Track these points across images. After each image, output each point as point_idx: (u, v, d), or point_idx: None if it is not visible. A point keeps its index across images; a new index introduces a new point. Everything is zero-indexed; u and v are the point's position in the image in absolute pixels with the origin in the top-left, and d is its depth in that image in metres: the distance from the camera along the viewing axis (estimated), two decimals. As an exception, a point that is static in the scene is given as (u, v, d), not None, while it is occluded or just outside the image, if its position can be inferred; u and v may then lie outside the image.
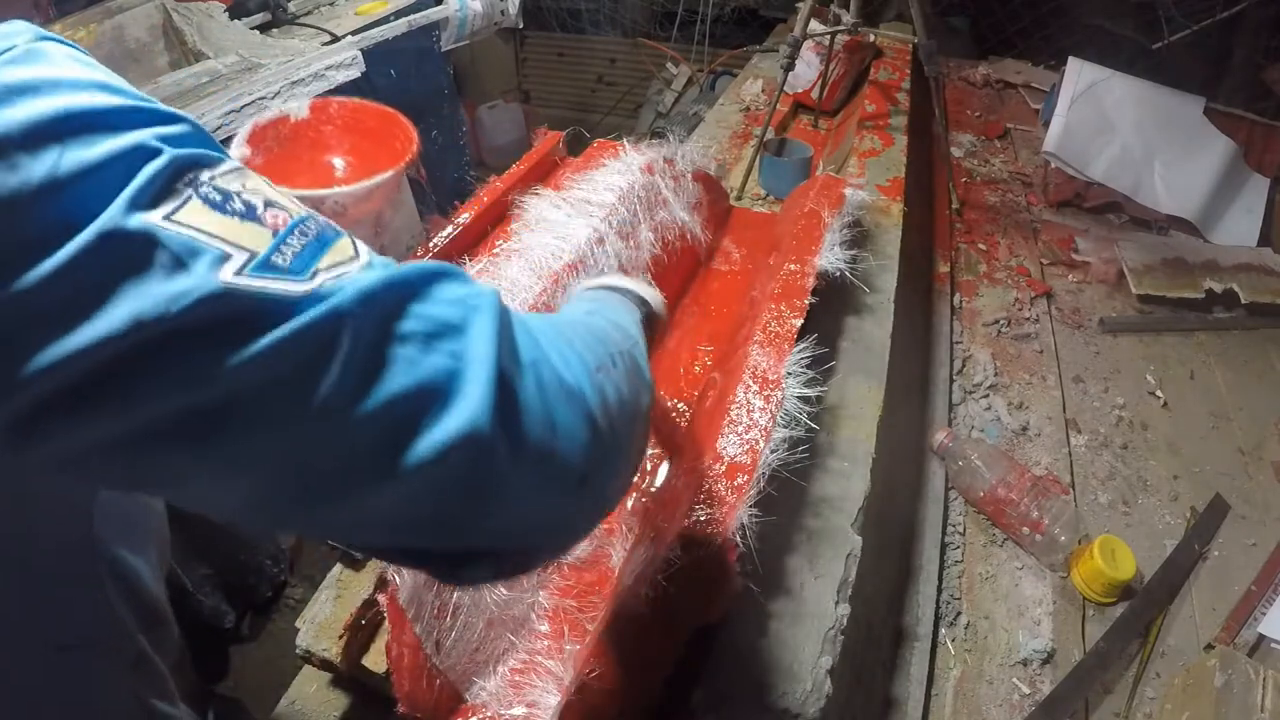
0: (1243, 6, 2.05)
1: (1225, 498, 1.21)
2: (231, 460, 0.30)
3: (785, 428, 0.75)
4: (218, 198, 0.31)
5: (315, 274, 0.31)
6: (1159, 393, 1.41)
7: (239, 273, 0.29)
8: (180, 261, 0.28)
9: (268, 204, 0.32)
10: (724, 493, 0.70)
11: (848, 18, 1.63)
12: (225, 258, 0.29)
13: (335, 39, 1.68)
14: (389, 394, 0.31)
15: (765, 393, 0.79)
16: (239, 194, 0.32)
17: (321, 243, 0.33)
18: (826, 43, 1.74)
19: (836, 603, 0.74)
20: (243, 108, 1.40)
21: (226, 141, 1.38)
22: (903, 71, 1.86)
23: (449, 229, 1.04)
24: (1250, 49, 2.26)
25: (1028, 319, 1.54)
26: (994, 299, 1.58)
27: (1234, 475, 1.27)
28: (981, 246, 1.73)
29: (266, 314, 0.29)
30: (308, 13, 1.87)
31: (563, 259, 0.95)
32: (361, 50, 1.58)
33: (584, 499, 0.41)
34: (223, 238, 0.30)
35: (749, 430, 0.76)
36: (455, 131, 2.13)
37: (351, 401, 0.31)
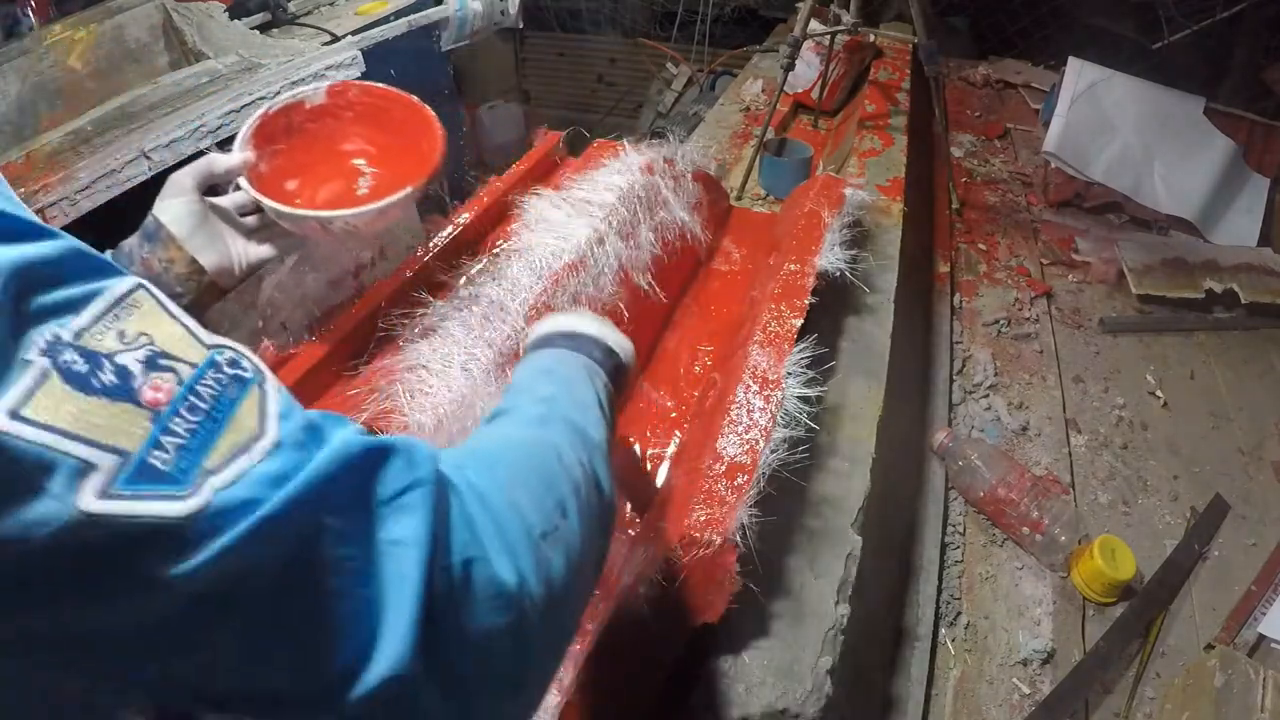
0: (1243, 6, 2.05)
1: (1225, 498, 1.21)
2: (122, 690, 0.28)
3: (785, 428, 0.75)
4: (82, 368, 0.24)
5: (205, 477, 0.26)
6: (1159, 393, 1.41)
7: (105, 492, 0.23)
8: (31, 480, 0.23)
9: (150, 362, 0.26)
10: (724, 493, 0.70)
11: (848, 18, 1.63)
12: (85, 470, 0.23)
13: (335, 39, 1.68)
14: (302, 640, 0.28)
15: (765, 393, 0.79)
16: (113, 355, 0.25)
17: (216, 420, 0.27)
18: (826, 43, 1.75)
19: (836, 603, 0.74)
20: (243, 108, 1.40)
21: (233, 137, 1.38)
22: (903, 71, 1.86)
23: (449, 229, 1.04)
24: (1250, 49, 2.26)
25: (1028, 319, 1.54)
26: (994, 299, 1.58)
27: (1234, 475, 1.27)
28: (981, 246, 1.73)
29: (147, 545, 0.24)
30: (308, 13, 1.87)
31: (563, 259, 0.95)
32: (361, 50, 1.59)
33: (521, 706, 0.38)
34: (84, 437, 0.24)
35: (749, 430, 0.76)
36: (455, 131, 2.12)
37: (266, 641, 0.28)
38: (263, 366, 0.31)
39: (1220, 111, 1.91)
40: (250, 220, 0.71)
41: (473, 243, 1.06)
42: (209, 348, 0.29)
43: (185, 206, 0.66)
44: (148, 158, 1.29)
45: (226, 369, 0.29)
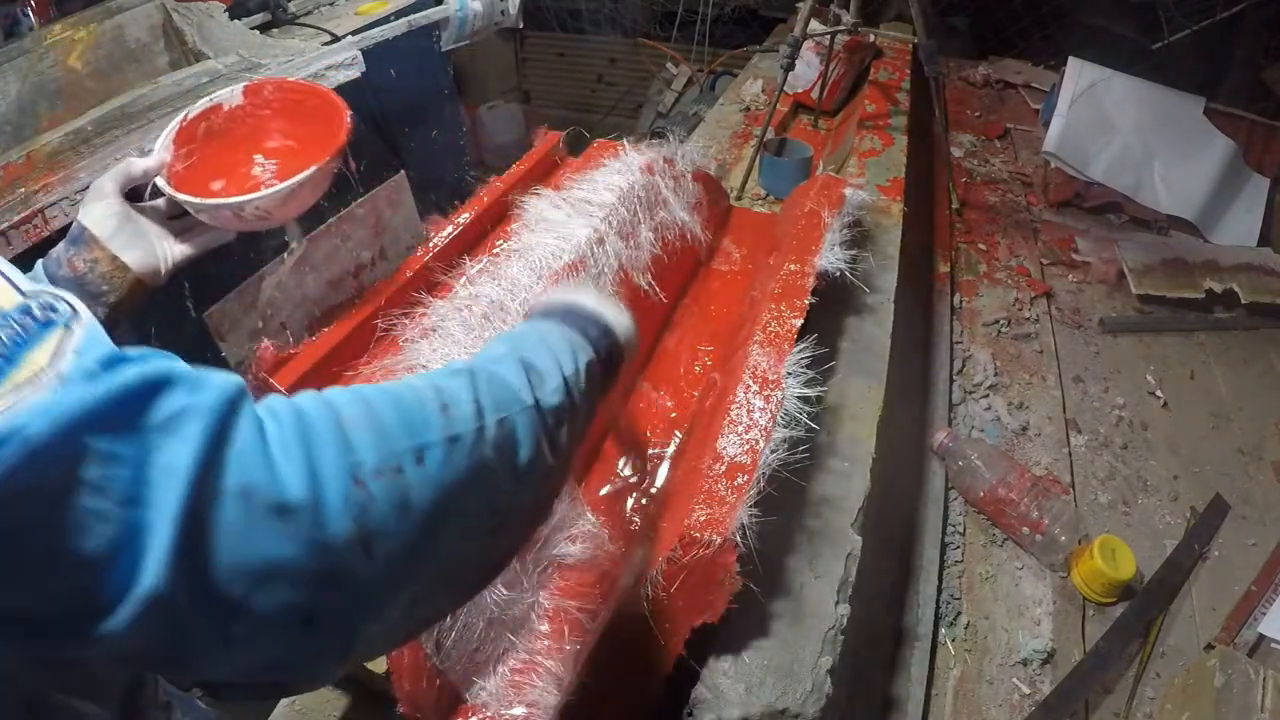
0: (1243, 6, 2.05)
1: (1225, 498, 1.21)
2: None
3: (785, 428, 0.75)
4: None
5: None
6: (1159, 393, 1.41)
7: None
8: None
9: None
10: (724, 493, 0.70)
11: (848, 18, 1.63)
12: None
13: (335, 39, 1.68)
14: (74, 560, 0.30)
15: (765, 393, 0.79)
16: None
17: (9, 359, 0.29)
18: (826, 43, 1.75)
19: (836, 603, 0.74)
20: (243, 108, 1.40)
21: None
22: (903, 71, 1.86)
23: (449, 229, 1.04)
24: (1250, 49, 2.26)
25: (1028, 319, 1.54)
26: (994, 299, 1.58)
27: (1234, 475, 1.27)
28: (981, 246, 1.73)
29: None
30: (308, 13, 1.87)
31: (563, 259, 0.95)
32: (361, 50, 1.59)
33: (316, 641, 0.37)
34: None
35: (749, 430, 0.76)
36: (455, 131, 2.13)
37: (37, 564, 0.29)
38: (80, 310, 0.33)
39: (1220, 111, 1.91)
40: (176, 223, 0.74)
41: (473, 243, 1.06)
42: (26, 296, 0.31)
43: (106, 209, 0.68)
44: (148, 158, 1.29)
45: (36, 314, 0.31)
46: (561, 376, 0.50)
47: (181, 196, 0.71)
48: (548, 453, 0.47)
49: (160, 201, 0.72)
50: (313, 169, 0.75)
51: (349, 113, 0.80)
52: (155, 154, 0.74)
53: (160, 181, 0.72)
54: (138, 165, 0.72)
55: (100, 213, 0.68)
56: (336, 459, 0.36)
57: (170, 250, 0.72)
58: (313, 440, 0.36)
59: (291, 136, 0.84)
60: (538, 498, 0.49)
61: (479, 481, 0.42)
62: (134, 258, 0.69)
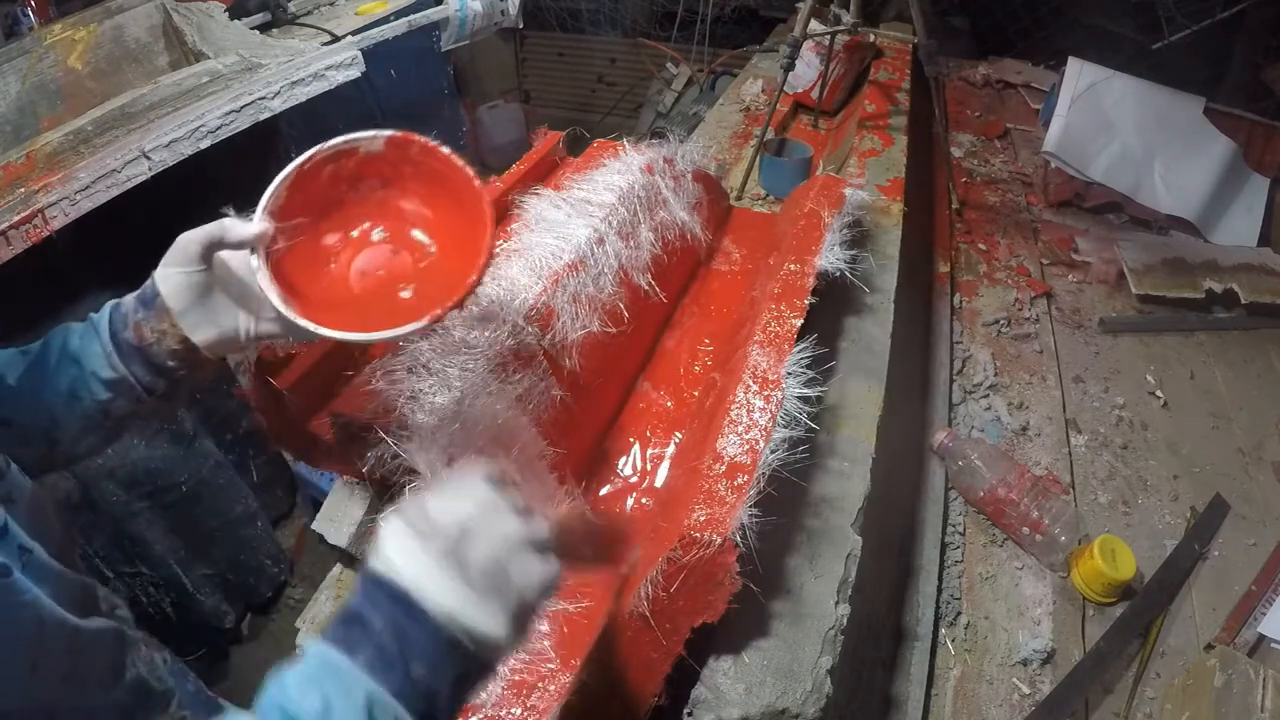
0: (1243, 6, 2.05)
1: (1225, 498, 1.21)
2: None
3: (785, 428, 0.75)
4: None
5: None
6: (1159, 393, 1.41)
7: None
8: None
9: None
10: (724, 493, 0.70)
11: (848, 18, 1.63)
12: None
13: (335, 39, 1.68)
14: None
15: (765, 393, 0.79)
16: None
17: None
18: (826, 43, 1.75)
19: (836, 603, 0.74)
20: (243, 108, 1.40)
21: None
22: (903, 71, 1.86)
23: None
24: (1250, 49, 2.26)
25: (1028, 319, 1.54)
26: (994, 299, 1.58)
27: (1234, 475, 1.27)
28: (981, 246, 1.73)
29: None
30: (308, 13, 1.87)
31: (563, 259, 0.95)
32: (361, 50, 1.59)
33: None
34: None
35: (749, 430, 0.76)
36: (455, 131, 2.13)
37: None
38: None
39: (1220, 111, 1.91)
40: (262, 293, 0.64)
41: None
42: None
43: (185, 277, 0.61)
44: (148, 158, 1.29)
45: None
46: None
47: (275, 297, 0.60)
48: None
49: (251, 261, 0.62)
50: (425, 320, 0.62)
51: (492, 232, 0.66)
52: (256, 220, 0.62)
53: (255, 262, 0.61)
54: (234, 232, 0.61)
55: (178, 281, 0.61)
56: None
57: (252, 326, 0.64)
58: None
59: (428, 205, 0.72)
60: None
61: None
62: (206, 338, 0.62)
